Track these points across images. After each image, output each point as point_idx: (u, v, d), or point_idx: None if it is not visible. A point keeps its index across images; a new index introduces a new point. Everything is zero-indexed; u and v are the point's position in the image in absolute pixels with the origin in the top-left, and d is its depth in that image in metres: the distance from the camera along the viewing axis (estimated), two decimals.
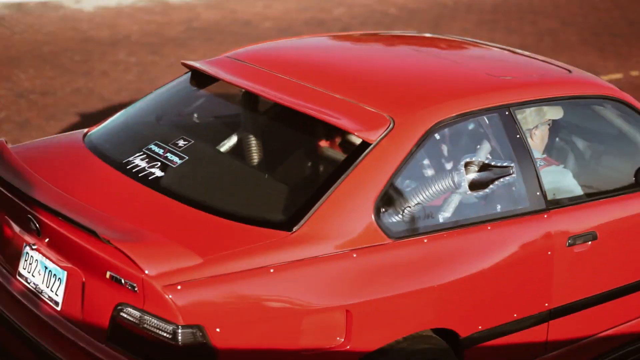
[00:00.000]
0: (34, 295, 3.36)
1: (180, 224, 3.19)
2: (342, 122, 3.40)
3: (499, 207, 3.62)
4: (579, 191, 3.95)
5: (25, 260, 3.44)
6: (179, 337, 2.88)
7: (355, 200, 3.23)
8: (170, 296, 2.86)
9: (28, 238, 3.39)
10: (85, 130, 4.00)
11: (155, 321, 2.91)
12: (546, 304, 3.73)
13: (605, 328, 4.12)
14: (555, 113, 4.13)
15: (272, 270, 3.01)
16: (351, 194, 3.24)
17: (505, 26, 11.77)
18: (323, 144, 4.04)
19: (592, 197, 3.95)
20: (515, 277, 3.59)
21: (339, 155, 3.86)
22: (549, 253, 3.68)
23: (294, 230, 3.12)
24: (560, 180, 3.93)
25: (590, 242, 3.82)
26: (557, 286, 3.74)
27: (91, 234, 2.99)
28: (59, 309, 3.24)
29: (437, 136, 3.51)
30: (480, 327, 3.52)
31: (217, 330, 2.92)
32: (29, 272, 3.41)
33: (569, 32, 11.61)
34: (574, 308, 3.87)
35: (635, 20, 12.45)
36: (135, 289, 2.92)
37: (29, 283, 3.40)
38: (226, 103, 4.33)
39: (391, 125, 3.39)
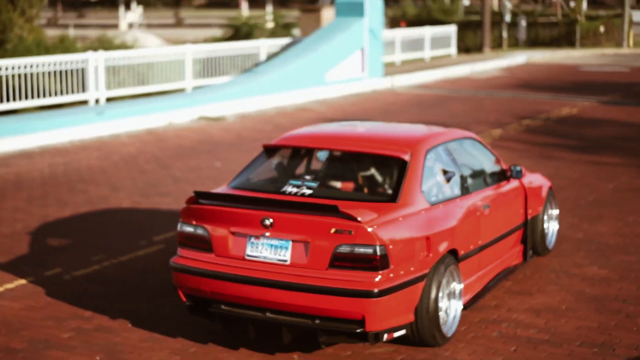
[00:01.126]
0: (264, 264, 6.45)
1: (346, 207, 6.36)
2: (393, 153, 7.14)
3: (456, 191, 7.42)
4: (471, 185, 7.76)
5: (252, 246, 6.52)
6: (377, 251, 6.20)
7: (414, 187, 6.86)
8: (371, 230, 6.22)
9: (254, 233, 6.49)
10: (224, 185, 7.42)
11: (363, 247, 6.19)
12: (480, 242, 7.59)
13: (501, 257, 8.25)
14: None
15: (400, 219, 6.56)
16: (411, 185, 6.86)
17: (57, 199, 11.81)
18: (377, 165, 7.33)
19: (477, 187, 7.82)
20: (470, 225, 7.38)
21: (389, 169, 7.18)
22: (478, 214, 7.57)
23: (397, 202, 6.73)
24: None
25: (488, 209, 7.75)
26: (483, 232, 7.62)
27: (332, 210, 6.24)
28: (287, 264, 6.40)
29: (428, 157, 7.24)
30: (462, 252, 7.20)
31: (390, 247, 6.29)
32: (256, 252, 6.51)
33: (120, 197, 11.95)
34: (488, 245, 7.78)
35: (180, 178, 13.17)
36: (352, 232, 6.20)
37: (257, 257, 6.49)
38: (302, 159, 7.80)
39: (410, 153, 7.13)
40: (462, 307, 7.09)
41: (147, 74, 20.70)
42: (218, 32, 37.03)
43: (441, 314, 6.78)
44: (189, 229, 6.76)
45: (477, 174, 8.01)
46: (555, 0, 53.53)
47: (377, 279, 6.20)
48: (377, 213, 6.40)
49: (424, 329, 6.59)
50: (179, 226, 6.85)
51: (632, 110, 20.46)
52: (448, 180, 7.33)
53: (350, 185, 7.22)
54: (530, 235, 8.80)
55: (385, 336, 6.41)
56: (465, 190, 7.50)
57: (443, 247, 6.80)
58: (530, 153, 15.06)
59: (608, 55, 40.81)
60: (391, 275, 6.28)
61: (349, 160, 7.49)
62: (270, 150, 7.66)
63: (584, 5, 56.70)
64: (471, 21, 45.26)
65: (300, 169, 7.69)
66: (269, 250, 6.46)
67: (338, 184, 7.27)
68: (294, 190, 6.91)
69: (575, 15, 48.05)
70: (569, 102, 21.88)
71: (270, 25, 32.97)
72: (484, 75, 29.51)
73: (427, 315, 6.57)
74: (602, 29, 45.83)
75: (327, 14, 29.37)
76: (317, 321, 6.29)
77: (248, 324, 6.60)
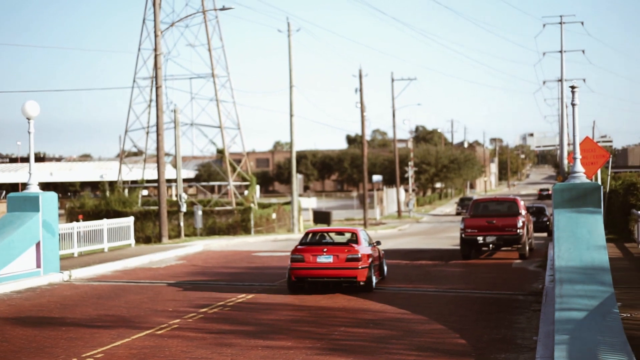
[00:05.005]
0: (324, 263, 21.81)
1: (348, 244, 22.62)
2: (353, 230, 23.76)
3: (369, 243, 24.15)
4: (370, 243, 24.08)
5: (319, 258, 21.86)
6: (359, 256, 21.86)
7: (361, 240, 23.05)
8: (357, 248, 22.03)
9: (319, 253, 21.83)
10: (297, 244, 23.66)
11: (355, 255, 21.80)
12: (375, 262, 23.42)
13: (377, 272, 24.27)
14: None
15: (362, 247, 22.99)
16: (360, 239, 22.97)
17: None
18: (348, 234, 24.30)
19: (371, 244, 23.94)
20: (374, 254, 23.36)
21: (352, 236, 23.46)
22: (375, 252, 24.11)
23: (358, 244, 22.84)
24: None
25: (376, 251, 24.08)
26: (375, 258, 23.54)
27: (347, 244, 22.43)
28: (331, 262, 21.82)
29: (361, 233, 24.10)
30: (374, 263, 23.09)
31: (362, 255, 22.07)
32: (321, 260, 21.79)
33: None
34: (376, 265, 23.74)
35: None
36: (351, 250, 21.90)
37: (322, 262, 21.83)
38: (320, 234, 24.51)
39: (357, 231, 23.81)
40: (376, 279, 23.08)
41: None
42: None
43: (373, 279, 22.25)
44: (295, 255, 21.72)
45: (369, 240, 23.26)
46: (229, 189, 56.07)
47: (359, 264, 21.57)
48: (356, 245, 22.04)
49: (368, 283, 21.84)
50: (291, 255, 21.97)
51: (303, 294, 21.74)
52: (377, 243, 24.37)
53: (342, 239, 23.80)
54: (380, 267, 23.78)
55: (361, 283, 21.70)
56: (371, 244, 23.01)
57: (371, 258, 22.19)
58: (206, 342, 15.40)
59: (280, 240, 43.04)
60: (362, 264, 21.61)
61: (339, 234, 25.61)
62: (307, 234, 23.21)
63: (257, 193, 59.69)
64: (150, 211, 46.09)
65: (321, 237, 23.52)
66: (325, 259, 21.54)
67: (340, 239, 24.38)
68: (327, 241, 23.15)
69: (248, 203, 50.52)
70: (244, 288, 22.82)
71: None
72: (162, 264, 29.99)
73: (369, 278, 21.89)
74: (274, 215, 48.48)
75: (2, 207, 28.72)
76: (342, 279, 21.78)
77: (317, 284, 22.28)
